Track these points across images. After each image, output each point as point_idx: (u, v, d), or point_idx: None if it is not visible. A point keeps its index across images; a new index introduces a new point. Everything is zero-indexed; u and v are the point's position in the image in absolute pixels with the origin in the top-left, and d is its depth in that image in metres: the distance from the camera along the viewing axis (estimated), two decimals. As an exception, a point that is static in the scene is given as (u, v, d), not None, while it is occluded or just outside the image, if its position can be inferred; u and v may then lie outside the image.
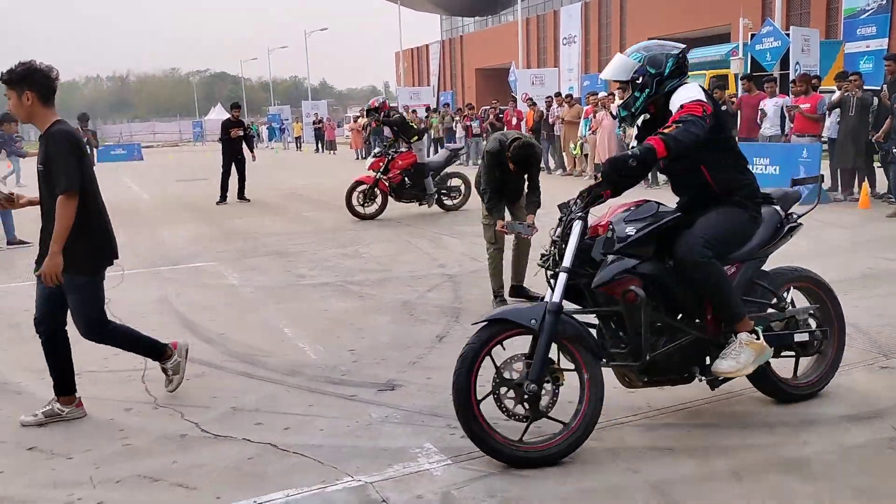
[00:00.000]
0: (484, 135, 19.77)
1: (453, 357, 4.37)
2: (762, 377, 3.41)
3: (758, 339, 3.20)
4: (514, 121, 18.77)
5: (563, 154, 16.70)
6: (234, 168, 13.33)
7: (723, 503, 2.70)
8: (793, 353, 3.56)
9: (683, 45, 3.38)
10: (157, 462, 3.17)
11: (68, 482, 3.02)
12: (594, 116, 14.86)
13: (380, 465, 3.08)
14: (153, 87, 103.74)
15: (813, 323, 3.57)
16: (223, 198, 13.19)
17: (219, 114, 70.24)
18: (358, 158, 27.66)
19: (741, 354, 3.16)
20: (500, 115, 19.10)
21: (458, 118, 21.50)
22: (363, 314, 5.48)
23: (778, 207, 3.46)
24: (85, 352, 4.72)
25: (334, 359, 4.47)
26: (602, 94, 16.28)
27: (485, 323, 3.08)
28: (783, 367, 3.58)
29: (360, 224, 10.18)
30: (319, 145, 35.15)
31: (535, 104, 18.00)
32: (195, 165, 25.87)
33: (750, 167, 3.44)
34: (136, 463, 3.17)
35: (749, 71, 16.17)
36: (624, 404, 3.61)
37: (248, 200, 13.27)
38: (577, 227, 3.12)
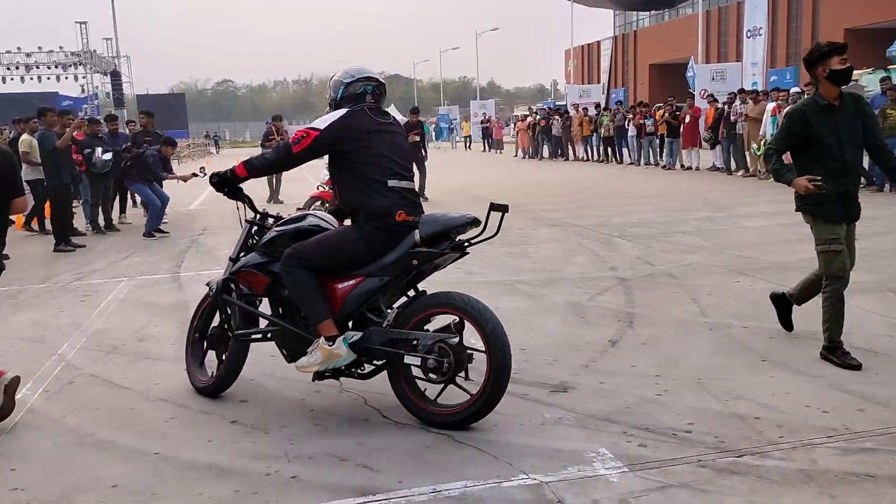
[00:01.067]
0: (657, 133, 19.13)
1: (627, 362, 4.32)
2: (400, 394, 3.60)
3: (331, 344, 3.46)
4: (687, 119, 18.00)
5: (746, 154, 15.75)
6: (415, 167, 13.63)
7: (937, 542, 2.45)
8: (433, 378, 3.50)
9: (361, 75, 3.82)
10: (343, 443, 3.38)
11: (267, 455, 3.30)
12: (782, 113, 13.89)
13: (554, 465, 3.08)
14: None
15: (443, 350, 3.47)
16: None
17: (392, 114, 73.26)
18: (524, 158, 27.76)
19: (313, 354, 3.52)
20: (676, 114, 18.38)
21: (630, 116, 20.93)
22: (533, 314, 5.50)
23: (416, 231, 3.58)
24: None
25: (507, 356, 4.52)
26: (794, 89, 15.17)
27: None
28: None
29: (528, 223, 10.21)
30: (486, 144, 35.63)
31: (715, 100, 17.12)
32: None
33: (386, 189, 3.53)
34: (326, 442, 3.40)
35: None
36: (818, 425, 3.37)
37: (427, 199, 13.39)
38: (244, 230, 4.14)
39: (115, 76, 45.51)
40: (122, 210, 12.14)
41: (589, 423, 3.51)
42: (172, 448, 3.40)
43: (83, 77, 41.94)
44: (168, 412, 3.85)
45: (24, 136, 10.19)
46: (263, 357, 4.67)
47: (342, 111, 3.63)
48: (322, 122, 3.61)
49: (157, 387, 4.23)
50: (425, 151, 14.25)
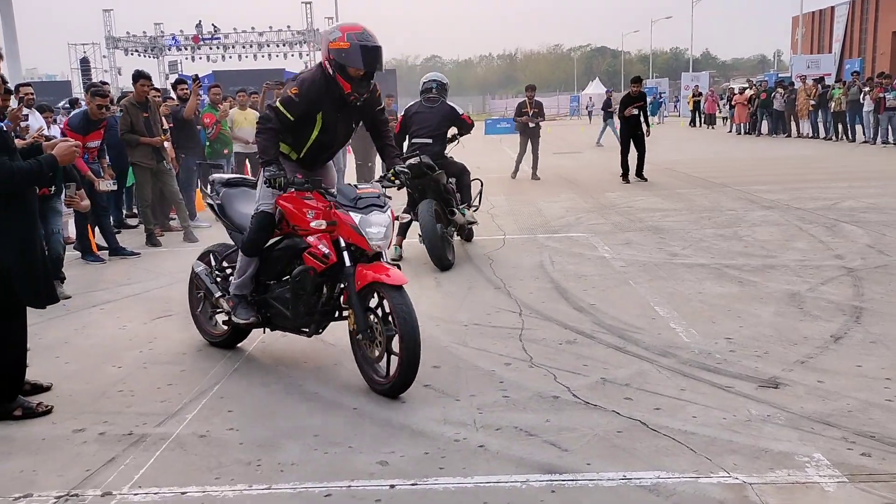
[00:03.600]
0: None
1: (851, 361, 3.86)
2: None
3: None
4: (944, 91, 15.68)
5: None
6: (632, 145, 12.53)
7: None
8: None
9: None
10: (531, 418, 3.34)
11: (456, 421, 3.35)
12: None
13: (760, 466, 2.82)
14: (537, 64, 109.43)
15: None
16: (624, 176, 12.43)
17: (596, 88, 71.55)
18: (739, 133, 25.85)
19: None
20: (925, 85, 16.10)
21: (867, 89, 18.68)
22: (743, 301, 5.10)
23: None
24: (473, 308, 5.20)
25: (709, 345, 4.23)
26: None
27: None
28: None
29: (740, 204, 9.48)
30: (697, 118, 33.65)
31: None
32: (571, 139, 26.68)
33: None
34: (514, 415, 3.38)
35: None
36: None
37: (646, 179, 12.47)
38: None
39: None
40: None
41: (803, 424, 3.18)
42: (370, 405, 3.56)
43: (307, 54, 45.21)
44: (367, 371, 4.03)
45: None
46: (457, 326, 4.76)
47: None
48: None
49: (358, 346, 4.45)
50: (647, 126, 12.74)
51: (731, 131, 27.05)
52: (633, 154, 12.51)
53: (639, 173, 12.61)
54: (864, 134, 19.20)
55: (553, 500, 2.64)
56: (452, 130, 7.29)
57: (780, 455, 2.91)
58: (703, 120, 32.86)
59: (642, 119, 12.67)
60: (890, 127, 17.83)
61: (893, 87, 17.43)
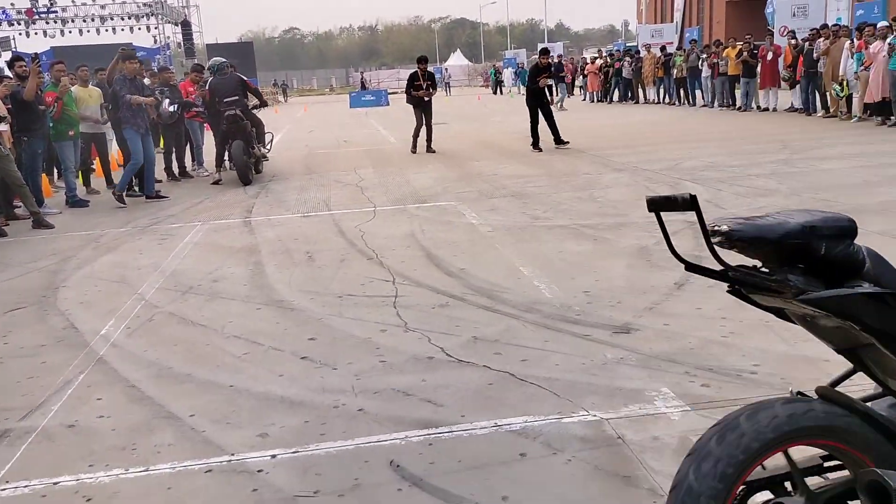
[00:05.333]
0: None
1: (692, 305, 4.27)
2: None
3: None
4: (770, 56, 17.16)
5: (828, 94, 14.97)
6: (540, 114, 12.68)
7: None
8: None
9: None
10: (408, 379, 3.48)
11: (334, 389, 3.43)
12: (867, 49, 13.11)
13: (615, 403, 3.11)
14: (399, 35, 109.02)
15: None
16: (535, 144, 12.50)
17: (457, 60, 72.34)
18: (593, 101, 27.08)
19: None
20: (755, 52, 17.54)
21: (704, 56, 20.09)
22: (598, 257, 5.47)
23: None
24: (347, 279, 5.26)
25: (569, 299, 4.53)
26: (881, 23, 14.26)
27: None
28: None
29: (595, 168, 10.04)
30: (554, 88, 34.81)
31: (795, 37, 16.25)
32: (436, 111, 26.79)
33: None
34: (391, 378, 3.50)
35: None
36: (891, 368, 3.27)
37: (567, 143, 12.67)
38: None
39: (186, 26, 46.25)
40: (194, 159, 12.46)
41: (651, 363, 3.50)
42: (246, 381, 3.57)
43: (155, 28, 42.75)
44: (241, 348, 4.02)
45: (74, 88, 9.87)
46: (331, 298, 4.81)
47: None
48: None
49: (231, 325, 4.42)
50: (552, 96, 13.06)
51: (584, 99, 28.30)
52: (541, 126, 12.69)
53: (558, 140, 12.72)
54: (703, 98, 20.67)
55: (430, 452, 2.79)
56: (254, 101, 11.23)
57: (633, 392, 3.21)
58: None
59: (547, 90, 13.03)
60: (725, 91, 19.30)
61: (719, 55, 18.85)
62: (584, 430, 2.90)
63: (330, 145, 16.25)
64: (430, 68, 13.90)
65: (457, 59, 72.72)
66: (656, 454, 2.68)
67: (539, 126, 12.59)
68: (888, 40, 12.61)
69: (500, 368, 3.53)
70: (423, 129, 13.23)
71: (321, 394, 3.38)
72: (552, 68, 13.37)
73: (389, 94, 40.94)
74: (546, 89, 13.01)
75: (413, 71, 13.63)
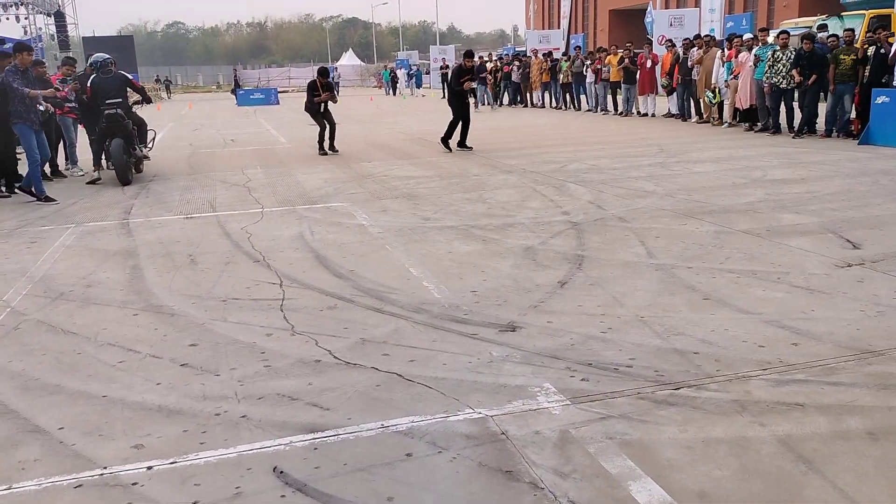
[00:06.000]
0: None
1: (574, 302, 4.42)
2: None
3: None
4: (649, 64, 18.02)
5: (701, 101, 15.89)
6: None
7: (855, 463, 2.60)
8: None
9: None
10: (294, 383, 3.42)
11: (216, 396, 3.32)
12: (736, 59, 14.02)
13: (500, 400, 3.17)
14: (289, 33, 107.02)
15: None
16: (445, 142, 12.75)
17: (349, 59, 71.84)
18: (485, 104, 27.53)
19: None
20: (635, 59, 18.38)
21: (588, 62, 20.84)
22: (486, 257, 5.56)
23: None
24: (231, 282, 5.11)
25: (457, 299, 4.59)
26: (747, 35, 15.26)
27: None
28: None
29: (484, 170, 10.22)
30: (445, 91, 35.19)
31: (673, 46, 17.14)
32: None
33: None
34: (276, 383, 3.43)
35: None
36: (753, 358, 3.51)
37: (471, 148, 12.66)
38: None
39: (60, 17, 43.59)
40: (67, 157, 11.74)
41: (535, 360, 3.60)
42: (120, 391, 3.40)
43: (25, 18, 40.05)
44: (116, 356, 3.83)
45: None
46: (214, 302, 4.66)
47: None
48: None
49: (105, 332, 4.20)
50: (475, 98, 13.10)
51: (484, 104, 28.70)
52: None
53: (462, 143, 12.79)
54: (587, 103, 21.45)
55: (315, 457, 2.75)
56: (136, 97, 11.00)
57: (517, 388, 3.29)
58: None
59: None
60: (608, 97, 20.11)
61: (601, 61, 19.65)
62: (469, 427, 2.94)
63: (216, 144, 15.74)
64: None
65: (349, 59, 72.20)
66: (538, 448, 2.75)
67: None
68: (754, 51, 13.54)
69: (387, 369, 3.53)
70: (327, 132, 13.04)
71: (202, 401, 3.27)
72: (475, 70, 13.36)
73: (280, 92, 40.11)
74: (469, 92, 13.03)
75: (312, 81, 13.36)
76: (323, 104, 13.00)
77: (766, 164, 9.64)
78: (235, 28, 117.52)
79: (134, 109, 10.81)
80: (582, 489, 2.49)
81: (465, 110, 12.87)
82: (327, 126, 13.06)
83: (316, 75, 13.33)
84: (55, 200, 8.75)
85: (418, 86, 42.73)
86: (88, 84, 10.21)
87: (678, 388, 3.22)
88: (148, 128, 11.28)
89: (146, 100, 11.27)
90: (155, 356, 3.82)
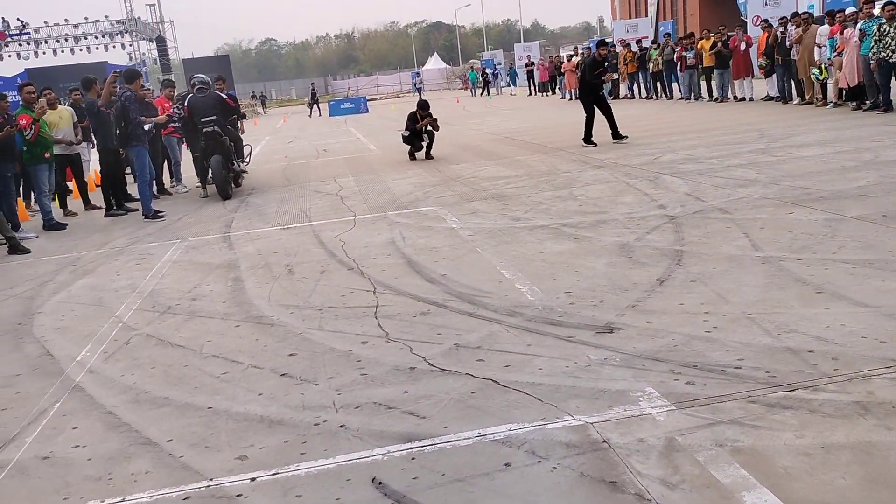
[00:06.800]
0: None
1: (675, 300, 4.24)
2: None
3: None
4: (743, 46, 17.23)
5: (802, 81, 15.04)
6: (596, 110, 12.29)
7: None
8: None
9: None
10: (390, 391, 3.42)
11: (315, 405, 3.36)
12: (841, 35, 13.19)
13: (600, 406, 3.06)
14: (376, 42, 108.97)
15: None
16: (588, 139, 12.27)
17: (435, 63, 72.46)
18: (571, 99, 27.11)
19: None
20: (727, 42, 17.62)
21: (680, 49, 20.14)
22: (579, 256, 5.43)
23: None
24: (327, 291, 5.20)
25: (552, 300, 4.49)
26: (850, 9, 14.34)
27: None
28: None
29: (575, 166, 10.03)
30: (532, 87, 34.95)
31: (770, 26, 16.30)
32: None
33: None
34: (373, 391, 3.44)
35: None
36: (875, 356, 3.25)
37: (626, 138, 12.22)
38: None
39: (161, 42, 46.01)
40: (171, 176, 12.34)
41: (635, 363, 3.46)
42: (224, 402, 3.50)
43: (130, 45, 42.50)
44: (220, 368, 3.95)
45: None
46: (311, 311, 4.75)
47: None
48: None
49: (210, 344, 4.35)
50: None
51: (563, 97, 28.34)
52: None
53: (616, 134, 12.29)
54: (679, 91, 20.74)
55: (413, 467, 2.73)
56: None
57: (617, 393, 3.17)
58: (537, 88, 34.15)
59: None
60: (692, 84, 19.38)
61: (692, 46, 18.92)
62: (568, 435, 2.85)
63: (309, 155, 16.17)
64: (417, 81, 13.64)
65: (434, 63, 72.83)
66: (642, 457, 2.63)
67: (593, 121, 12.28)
68: (859, 26, 12.69)
69: (482, 376, 3.48)
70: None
71: (301, 411, 3.32)
72: (607, 61, 12.59)
73: (368, 100, 40.90)
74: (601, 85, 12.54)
75: (412, 112, 13.28)
76: (423, 126, 12.95)
77: (878, 145, 9.00)
78: (325, 41, 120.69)
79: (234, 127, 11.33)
80: (692, 501, 2.36)
81: (603, 102, 12.34)
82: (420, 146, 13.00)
83: (416, 108, 13.19)
84: (162, 217, 9.19)
85: (513, 83, 42.22)
86: (185, 104, 10.84)
87: (793, 390, 3.02)
88: (244, 143, 11.73)
89: (239, 115, 11.82)
90: (256, 367, 3.92)
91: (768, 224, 5.75)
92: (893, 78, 12.17)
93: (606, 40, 13.36)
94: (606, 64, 12.34)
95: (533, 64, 35.59)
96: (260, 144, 20.05)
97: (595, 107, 12.28)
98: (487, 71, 43.08)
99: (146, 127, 10.03)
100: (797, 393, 3.00)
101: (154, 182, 11.42)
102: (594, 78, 12.25)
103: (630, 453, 2.67)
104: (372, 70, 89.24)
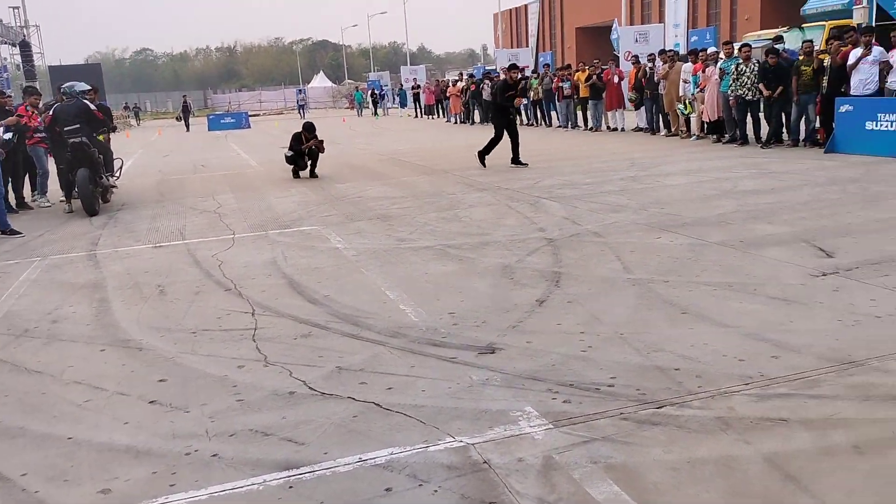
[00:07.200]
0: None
1: (553, 321, 4.36)
2: None
3: None
4: (616, 80, 18.19)
5: (669, 114, 16.05)
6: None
7: (843, 479, 2.55)
8: None
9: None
10: (267, 417, 3.31)
11: (186, 434, 3.20)
12: (703, 73, 14.19)
13: (481, 427, 3.09)
14: (259, 57, 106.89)
15: None
16: (482, 157, 12.48)
17: (321, 81, 71.92)
18: (455, 122, 27.61)
19: None
20: (601, 74, 18.55)
21: (555, 79, 20.99)
22: (463, 277, 5.49)
23: None
24: (201, 313, 4.99)
25: (435, 321, 4.51)
26: (711, 49, 15.48)
27: None
28: None
29: (459, 188, 10.19)
30: (417, 110, 35.34)
31: (639, 62, 17.33)
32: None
33: None
34: (249, 417, 3.32)
35: (874, 21, 14.93)
36: (735, 373, 3.46)
37: (525, 165, 12.24)
38: None
39: (25, 47, 43.06)
40: (34, 188, 11.50)
41: (515, 382, 3.53)
42: (87, 432, 3.27)
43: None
44: (82, 395, 3.69)
45: None
46: (184, 334, 4.53)
47: None
48: None
49: (71, 370, 4.05)
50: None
51: (447, 121, 28.83)
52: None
53: (516, 160, 12.39)
54: (558, 119, 21.59)
55: (290, 496, 2.65)
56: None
57: (498, 413, 3.21)
58: (423, 111, 34.55)
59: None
60: (567, 113, 20.30)
61: (567, 78, 19.82)
62: (450, 457, 2.85)
63: (186, 170, 15.57)
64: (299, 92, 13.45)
65: (320, 81, 72.25)
66: (521, 476, 2.67)
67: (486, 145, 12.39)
68: (719, 65, 13.72)
69: (364, 399, 3.43)
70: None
71: (171, 440, 3.14)
72: (518, 85, 12.57)
73: (251, 116, 39.94)
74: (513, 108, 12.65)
75: (297, 132, 12.97)
76: (308, 148, 12.74)
77: (736, 175, 9.72)
78: (205, 53, 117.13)
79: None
80: (568, 518, 2.41)
81: (513, 126, 12.44)
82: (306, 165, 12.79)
83: (302, 129, 12.93)
84: (20, 233, 8.54)
85: (403, 105, 42.24)
86: (51, 111, 10.18)
87: (661, 407, 3.17)
88: (115, 156, 11.14)
89: (110, 129, 11.17)
90: (122, 393, 3.69)
91: (638, 248, 6.05)
92: (748, 114, 13.23)
93: (518, 64, 13.65)
94: (516, 90, 12.48)
95: (419, 87, 36.01)
96: (132, 158, 19.10)
97: (504, 130, 12.40)
98: (376, 92, 43.16)
99: (5, 137, 9.33)
100: (665, 409, 3.15)
101: (13, 195, 10.62)
102: (505, 101, 12.42)
103: (509, 473, 2.70)
104: (255, 85, 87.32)
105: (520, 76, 13.04)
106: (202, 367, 3.98)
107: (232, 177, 13.59)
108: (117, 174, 11.34)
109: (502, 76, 12.82)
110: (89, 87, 10.52)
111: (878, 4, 15.30)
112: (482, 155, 12.49)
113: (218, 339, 4.41)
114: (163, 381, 3.80)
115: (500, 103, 12.49)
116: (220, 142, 25.39)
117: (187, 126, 36.27)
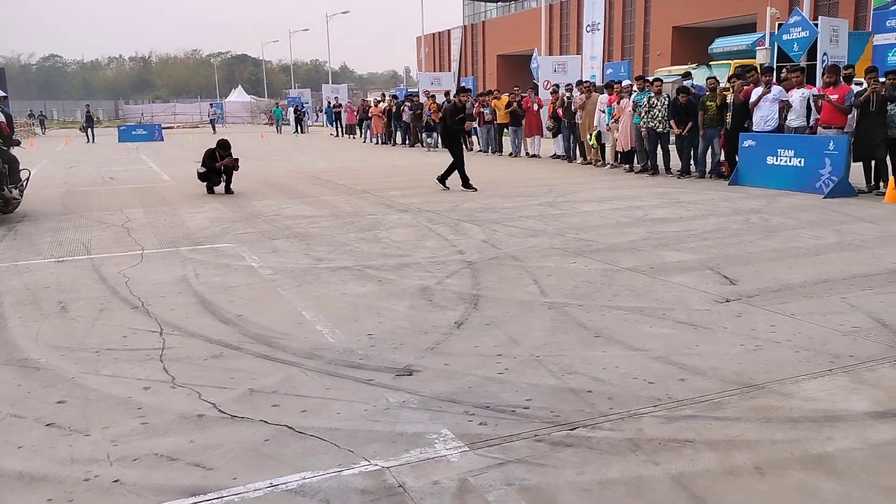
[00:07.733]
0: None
1: (471, 343, 4.38)
2: None
3: None
4: (536, 107, 18.64)
5: (585, 143, 16.55)
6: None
7: (746, 499, 2.65)
8: None
9: None
10: (173, 441, 3.17)
11: (86, 458, 3.03)
12: (618, 104, 14.71)
13: (396, 449, 3.06)
14: (175, 69, 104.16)
15: None
16: (443, 180, 12.36)
17: (239, 96, 70.60)
18: (377, 143, 27.61)
19: None
20: (521, 102, 18.96)
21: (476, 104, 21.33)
22: (382, 299, 5.46)
23: None
24: (106, 331, 4.76)
25: (352, 343, 4.45)
26: (626, 82, 16.08)
27: None
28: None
29: (380, 209, 10.16)
30: (338, 129, 35.14)
31: (557, 91, 17.82)
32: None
33: None
34: (154, 441, 3.17)
35: (775, 61, 15.89)
36: (644, 395, 3.56)
37: (447, 188, 12.24)
38: None
39: (-83, 46, 40.52)
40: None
41: (432, 404, 3.51)
42: (-27, 458, 3.05)
43: None
44: (-30, 418, 3.44)
45: None
46: (86, 353, 4.32)
47: None
48: None
49: (-42, 391, 3.78)
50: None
51: (365, 142, 28.83)
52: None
53: (466, 184, 12.18)
54: (478, 143, 21.91)
55: (197, 523, 2.54)
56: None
57: (414, 436, 3.18)
58: (344, 130, 34.39)
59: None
60: (488, 139, 20.65)
61: (487, 104, 20.21)
62: (364, 481, 2.80)
63: (93, 182, 14.93)
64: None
65: (238, 96, 70.90)
66: (436, 500, 2.65)
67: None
68: (632, 97, 14.26)
69: (277, 422, 3.34)
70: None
71: (69, 465, 2.97)
72: (466, 108, 12.55)
73: (164, 128, 38.77)
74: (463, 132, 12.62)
75: (211, 149, 12.59)
76: (223, 166, 12.41)
77: (647, 204, 10.08)
78: (117, 62, 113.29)
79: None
80: (482, 541, 2.40)
81: (459, 150, 12.34)
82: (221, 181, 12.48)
83: (216, 146, 12.51)
84: None
85: (331, 123, 41.58)
86: None
87: (574, 429, 3.22)
88: (21, 167, 10.57)
89: (11, 143, 10.77)
90: (17, 416, 3.47)
91: (554, 272, 6.18)
92: (659, 146, 13.79)
93: (466, 87, 13.69)
94: (464, 113, 12.48)
95: (340, 106, 35.84)
96: (36, 167, 18.18)
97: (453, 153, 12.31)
98: (299, 109, 42.56)
99: None
100: (578, 431, 3.20)
101: None
102: (455, 123, 12.42)
103: (424, 496, 2.68)
104: (170, 97, 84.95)
105: (468, 100, 13.09)
106: (105, 388, 3.79)
107: (142, 190, 13.12)
108: (23, 184, 10.72)
109: (452, 100, 12.87)
110: (4, 95, 10.00)
111: (778, 46, 16.29)
112: (442, 178, 12.34)
113: (123, 359, 4.21)
114: (62, 403, 3.60)
115: (449, 126, 12.55)
116: (130, 154, 24.51)
117: (91, 137, 34.74)
